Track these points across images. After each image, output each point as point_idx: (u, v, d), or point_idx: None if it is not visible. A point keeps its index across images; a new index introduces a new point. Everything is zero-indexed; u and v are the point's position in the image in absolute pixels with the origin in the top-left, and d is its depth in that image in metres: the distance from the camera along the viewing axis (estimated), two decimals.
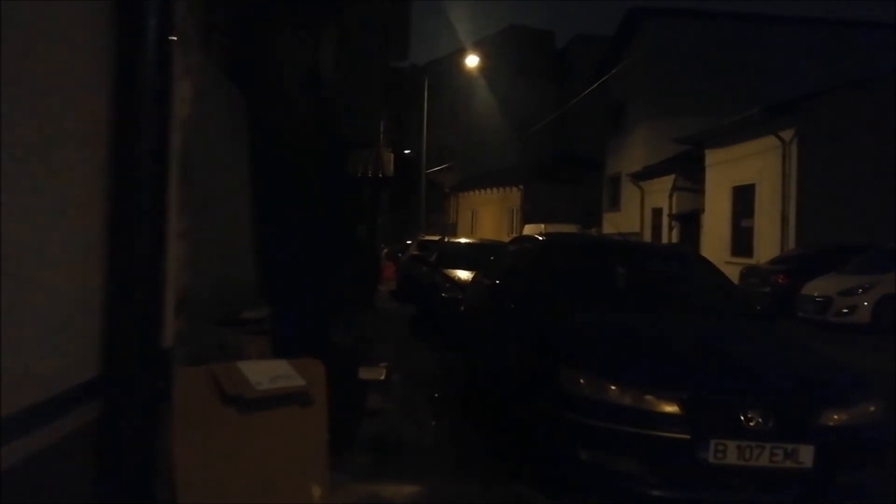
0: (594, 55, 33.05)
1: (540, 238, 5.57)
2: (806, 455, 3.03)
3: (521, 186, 34.43)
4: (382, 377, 5.20)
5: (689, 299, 4.76)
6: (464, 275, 9.84)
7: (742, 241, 17.98)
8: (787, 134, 15.97)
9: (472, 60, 25.05)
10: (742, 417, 3.08)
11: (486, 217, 38.84)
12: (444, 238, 12.20)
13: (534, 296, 4.47)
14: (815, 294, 12.33)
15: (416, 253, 14.86)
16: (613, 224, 27.49)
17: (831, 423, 3.16)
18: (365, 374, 4.75)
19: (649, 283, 4.73)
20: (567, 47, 46.73)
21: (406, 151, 37.48)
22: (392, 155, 20.99)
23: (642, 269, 4.81)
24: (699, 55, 24.00)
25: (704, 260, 5.10)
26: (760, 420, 3.08)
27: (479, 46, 33.15)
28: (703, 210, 20.20)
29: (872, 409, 3.27)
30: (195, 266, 2.60)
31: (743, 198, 18.20)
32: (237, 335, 2.77)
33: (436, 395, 5.82)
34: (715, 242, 18.89)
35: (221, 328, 2.73)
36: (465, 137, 43.15)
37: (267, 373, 2.30)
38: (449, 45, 40.28)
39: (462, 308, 7.00)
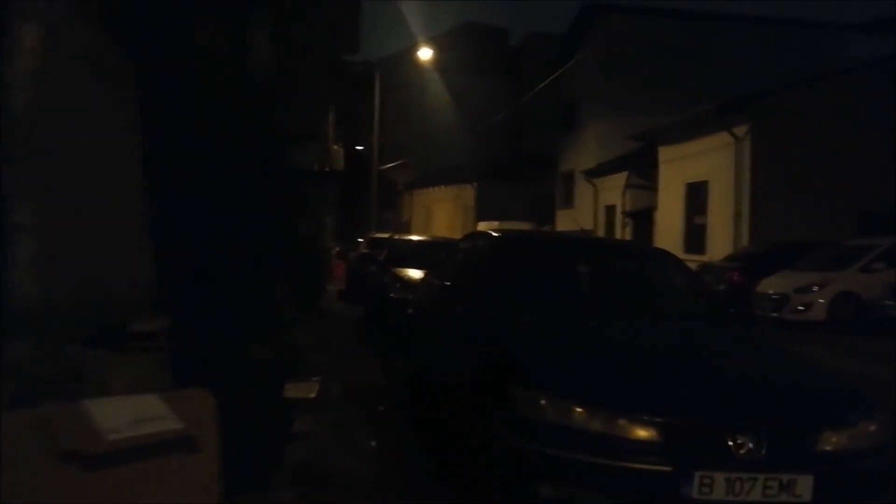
0: (548, 53, 32.94)
1: (494, 234, 5.02)
2: (804, 487, 2.58)
3: (475, 184, 34.06)
4: (314, 394, 4.63)
5: (660, 302, 4.30)
6: (415, 274, 9.30)
7: (695, 239, 17.87)
8: (741, 130, 15.87)
9: (425, 53, 24.51)
10: (731, 444, 2.62)
11: (440, 215, 38.36)
12: (394, 235, 11.63)
13: (486, 299, 3.95)
14: (771, 291, 12.18)
15: (365, 251, 14.26)
16: (569, 221, 27.35)
17: (831, 448, 2.72)
18: (293, 391, 4.18)
19: (616, 284, 4.25)
20: (521, 45, 46.64)
21: (359, 147, 36.79)
22: (342, 149, 20.35)
23: (608, 270, 4.32)
24: (653, 52, 23.94)
25: (674, 258, 4.65)
26: (752, 446, 2.61)
27: (432, 43, 32.65)
28: (657, 207, 20.07)
29: (873, 427, 2.84)
30: (48, 267, 1.98)
31: (696, 195, 18.09)
32: (108, 357, 2.16)
33: (380, 408, 5.27)
34: (668, 240, 18.74)
35: (85, 348, 2.13)
36: (419, 134, 42.60)
37: (129, 414, 1.71)
38: (403, 41, 39.65)
39: (410, 310, 6.45)
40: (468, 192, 34.75)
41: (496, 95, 40.30)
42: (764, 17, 25.12)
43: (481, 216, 31.21)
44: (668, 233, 18.97)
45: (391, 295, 8.73)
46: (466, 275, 4.57)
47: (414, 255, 9.99)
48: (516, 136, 42.49)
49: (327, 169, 10.81)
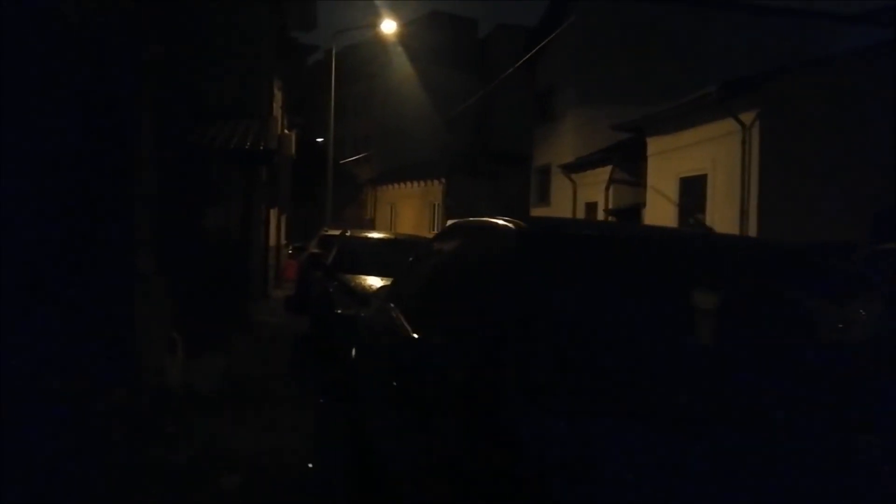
0: (517, 46, 31.02)
1: (510, 226, 2.59)
2: None
3: (443, 180, 31.95)
4: None
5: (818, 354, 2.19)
6: (371, 282, 7.11)
7: None
8: (748, 117, 13.98)
9: (388, 26, 22.16)
10: None
11: (406, 212, 36.15)
12: (345, 232, 9.38)
13: (499, 385, 1.76)
14: None
15: (314, 251, 12.00)
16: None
17: None
18: None
19: (767, 327, 2.11)
20: (489, 37, 44.73)
21: (319, 140, 34.36)
22: (293, 134, 18.00)
23: (745, 291, 2.15)
24: (635, 37, 22.22)
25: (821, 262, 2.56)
26: None
27: (399, 31, 30.46)
28: (645, 205, 18.15)
29: None
30: None
31: (692, 190, 16.18)
32: None
33: None
34: None
35: None
36: (383, 127, 40.37)
37: None
38: (368, 31, 37.49)
39: (354, 349, 4.24)
40: (436, 189, 32.64)
41: (464, 88, 38.29)
42: (756, 3, 23.44)
43: (450, 213, 29.19)
44: None
45: (338, 311, 6.53)
46: (458, 306, 2.38)
47: (370, 256, 7.81)
48: (486, 130, 40.54)
49: (262, 147, 8.52)
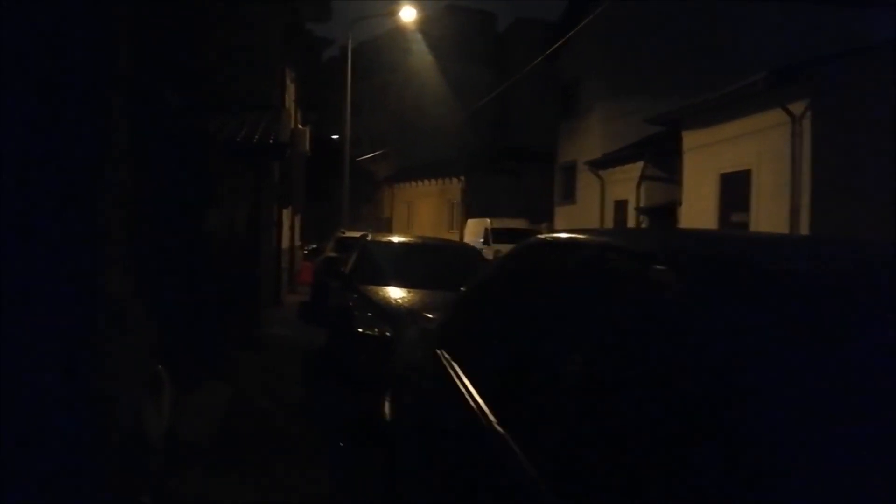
0: (537, 40, 29.97)
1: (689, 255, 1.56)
2: None
3: (462, 178, 30.94)
4: None
5: None
6: (396, 294, 6.18)
7: None
8: (798, 107, 12.89)
9: (408, 14, 21.16)
10: None
11: (424, 210, 35.21)
12: (366, 235, 8.40)
13: None
14: None
15: (331, 255, 11.09)
16: (568, 219, 24.36)
17: None
18: None
19: None
20: (508, 31, 43.67)
21: (334, 137, 33.51)
22: (307, 130, 17.11)
23: None
24: (662, 28, 21.16)
25: None
26: None
27: (416, 24, 29.52)
28: (681, 202, 17.07)
29: None
30: None
31: (734, 187, 15.10)
32: None
33: None
34: None
35: None
36: (400, 124, 39.44)
37: None
38: (386, 23, 36.61)
39: (391, 398, 3.25)
40: (454, 187, 31.66)
41: (483, 83, 37.30)
42: None
43: (469, 213, 28.24)
44: None
45: (358, 330, 5.60)
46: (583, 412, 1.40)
47: (395, 264, 6.86)
48: (506, 126, 39.53)
49: (273, 140, 7.61)
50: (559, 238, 2.03)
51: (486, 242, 22.79)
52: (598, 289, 1.58)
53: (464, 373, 2.01)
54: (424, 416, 2.28)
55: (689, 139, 16.78)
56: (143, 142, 4.16)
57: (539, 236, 2.17)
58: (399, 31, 34.88)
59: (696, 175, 16.50)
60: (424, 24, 32.03)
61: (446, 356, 2.30)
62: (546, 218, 26.43)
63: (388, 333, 5.55)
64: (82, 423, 3.12)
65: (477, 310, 2.36)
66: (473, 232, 25.26)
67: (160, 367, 3.86)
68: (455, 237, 27.60)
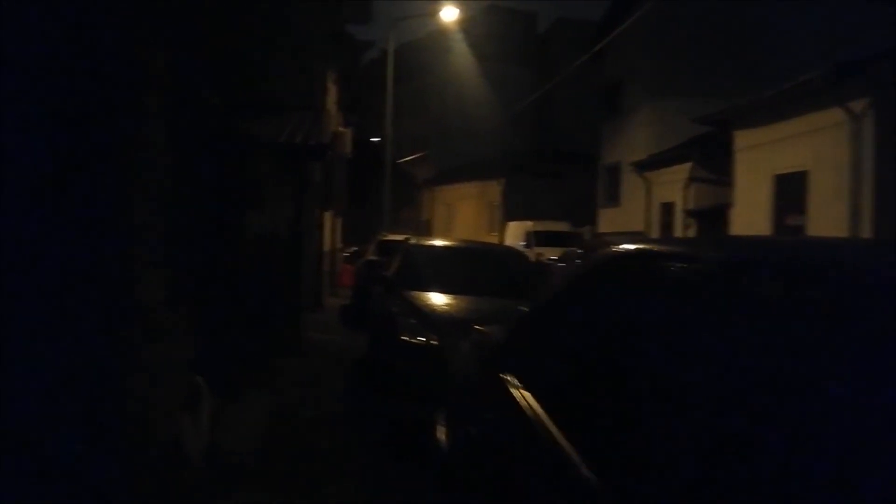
0: (578, 40, 29.46)
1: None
2: None
3: (503, 179, 30.59)
4: None
5: None
6: (441, 301, 5.92)
7: None
8: (859, 105, 12.28)
9: (449, 13, 20.91)
10: None
11: (463, 213, 34.95)
12: (409, 239, 8.14)
13: None
14: None
15: (372, 258, 10.90)
16: (612, 222, 23.85)
17: None
18: None
19: None
20: (549, 31, 43.17)
21: (374, 139, 33.50)
22: (349, 132, 17.02)
23: None
24: (710, 26, 20.56)
25: None
26: None
27: (457, 24, 29.30)
28: (732, 205, 16.48)
29: None
30: None
31: (789, 189, 14.49)
32: None
33: None
34: None
35: None
36: (440, 126, 39.28)
37: None
38: (426, 25, 36.48)
39: (449, 426, 2.94)
40: (494, 189, 31.32)
41: (523, 84, 36.94)
42: None
43: (510, 215, 27.86)
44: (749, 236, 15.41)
45: (402, 338, 5.35)
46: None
47: (440, 270, 6.61)
48: (546, 127, 39.06)
49: (315, 142, 7.43)
50: (652, 248, 1.74)
51: (527, 246, 22.40)
52: (710, 306, 1.30)
53: (543, 407, 1.72)
54: (498, 457, 1.98)
55: (741, 139, 16.20)
56: (181, 142, 3.98)
57: (623, 247, 1.87)
58: (439, 32, 34.74)
59: (748, 176, 15.92)
60: (464, 25, 31.82)
61: (515, 384, 2.02)
62: (589, 221, 25.94)
63: (434, 342, 5.30)
64: (116, 440, 2.94)
65: (551, 331, 2.06)
66: (514, 235, 24.88)
67: (199, 378, 3.67)
68: (495, 240, 27.26)
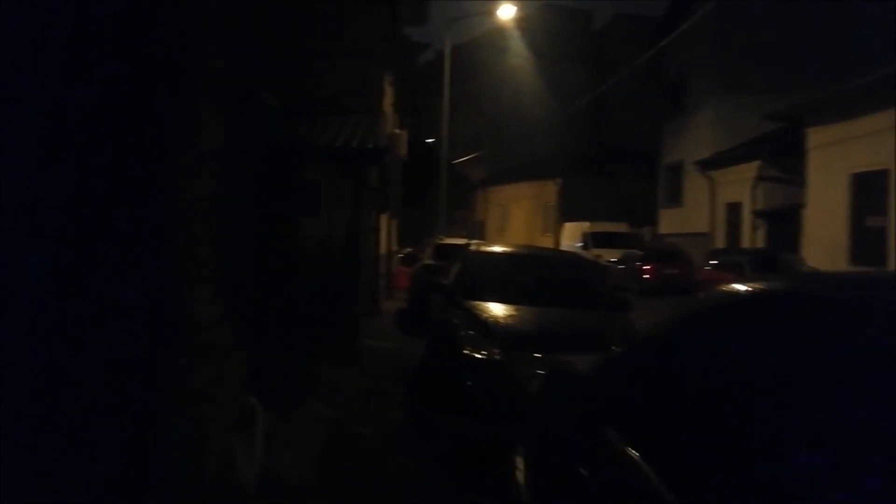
0: (636, 37, 28.64)
1: None
2: None
3: (558, 180, 30.02)
4: None
5: None
6: (506, 312, 5.62)
7: (867, 245, 13.49)
8: None
9: (506, 12, 20.53)
10: None
11: (517, 214, 34.51)
12: (468, 244, 7.83)
13: None
14: None
15: (429, 263, 10.68)
16: (674, 222, 23.10)
17: None
18: None
19: None
20: (606, 28, 42.29)
21: (429, 140, 33.37)
22: (405, 134, 16.86)
23: None
24: (778, 21, 19.66)
25: None
26: None
27: (513, 22, 28.87)
28: (805, 205, 15.67)
29: None
30: None
31: (868, 188, 13.68)
32: None
33: None
34: (824, 246, 14.46)
35: None
36: (494, 126, 38.89)
37: None
38: (481, 25, 36.16)
39: (535, 479, 2.61)
40: (550, 189, 30.78)
41: (580, 82, 36.19)
42: None
43: (565, 216, 27.29)
44: (824, 237, 14.63)
45: (464, 351, 5.08)
46: None
47: (503, 277, 6.31)
48: (604, 126, 38.22)
49: (372, 145, 7.24)
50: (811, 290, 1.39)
51: (584, 247, 21.86)
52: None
53: (649, 466, 1.41)
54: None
55: (815, 136, 15.40)
56: (236, 146, 3.77)
57: (769, 283, 1.51)
58: (495, 31, 34.37)
59: (822, 175, 15.12)
60: (520, 24, 31.40)
61: (616, 435, 1.70)
62: (648, 221, 25.21)
63: (496, 356, 5.01)
64: (164, 469, 2.74)
65: (664, 383, 1.72)
66: (570, 236, 24.34)
67: (252, 399, 3.47)
68: (550, 241, 26.75)
